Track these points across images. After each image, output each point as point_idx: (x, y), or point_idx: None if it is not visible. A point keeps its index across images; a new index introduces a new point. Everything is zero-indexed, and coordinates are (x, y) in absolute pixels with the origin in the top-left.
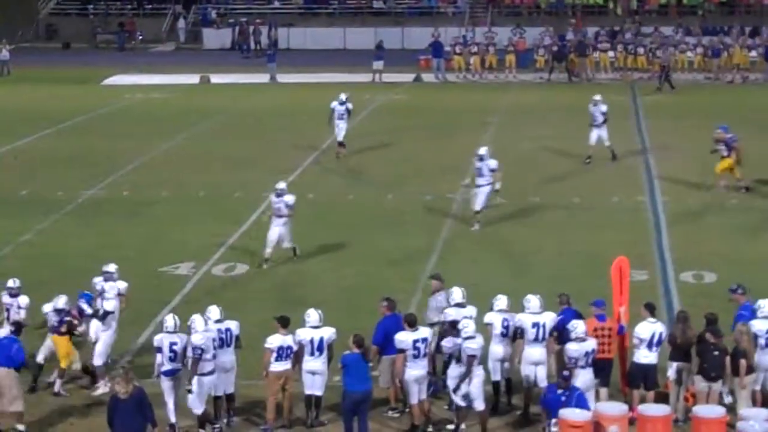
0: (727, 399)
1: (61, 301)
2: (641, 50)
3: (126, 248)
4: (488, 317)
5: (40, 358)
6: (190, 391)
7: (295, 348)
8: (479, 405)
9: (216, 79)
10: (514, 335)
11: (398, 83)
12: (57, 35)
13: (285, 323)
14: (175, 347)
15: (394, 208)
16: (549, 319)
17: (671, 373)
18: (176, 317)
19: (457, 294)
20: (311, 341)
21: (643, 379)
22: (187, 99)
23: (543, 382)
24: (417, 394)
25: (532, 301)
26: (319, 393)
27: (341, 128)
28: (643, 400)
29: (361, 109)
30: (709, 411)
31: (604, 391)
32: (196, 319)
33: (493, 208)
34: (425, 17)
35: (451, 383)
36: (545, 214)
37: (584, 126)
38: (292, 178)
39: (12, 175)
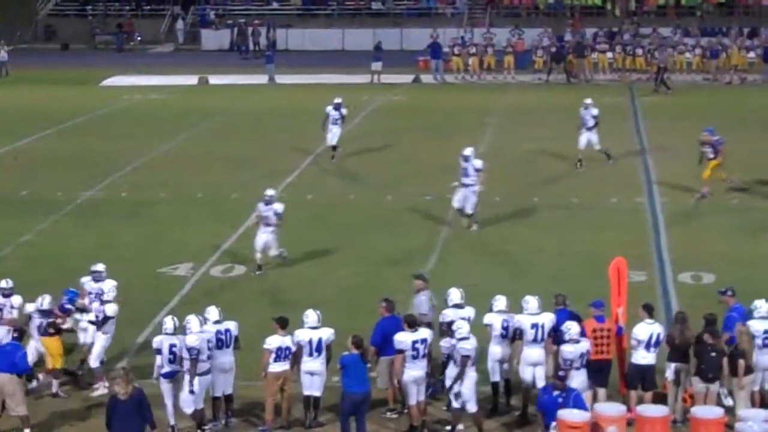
0: (727, 401)
1: (46, 302)
2: (639, 51)
3: (125, 249)
4: (488, 318)
5: (29, 360)
6: (192, 392)
7: (293, 349)
8: (471, 407)
9: (214, 80)
10: (513, 336)
11: (397, 84)
12: (56, 36)
13: (284, 324)
14: (174, 349)
15: (393, 209)
16: (548, 319)
17: (669, 373)
18: (175, 319)
19: (455, 295)
20: (310, 342)
21: (641, 380)
22: (185, 100)
23: (541, 383)
24: (416, 395)
25: (531, 302)
26: (317, 394)
27: (335, 133)
28: (641, 401)
29: (359, 110)
30: (707, 412)
31: (602, 391)
32: (192, 320)
33: (493, 208)
34: (424, 18)
35: (449, 384)
36: (544, 214)
37: None
38: (290, 179)
39: (12, 175)
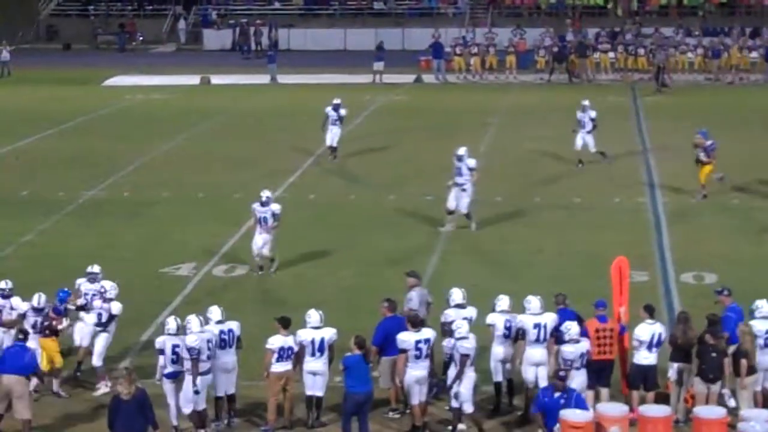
0: (730, 402)
1: (42, 300)
2: (642, 51)
3: (126, 249)
4: (490, 318)
5: None
6: (197, 392)
7: (296, 349)
8: (468, 407)
9: (216, 80)
10: (515, 336)
11: (399, 84)
12: (58, 36)
13: (286, 324)
14: (177, 349)
15: (394, 209)
16: (550, 319)
17: (672, 373)
18: (178, 319)
19: (457, 295)
20: (312, 342)
21: (643, 380)
22: (187, 100)
23: (544, 383)
24: (418, 395)
25: (533, 302)
26: (320, 394)
27: (335, 133)
28: (643, 401)
29: (361, 110)
30: (710, 412)
31: (605, 391)
32: (192, 320)
33: (494, 207)
34: (426, 18)
35: (449, 383)
36: (546, 214)
37: None
38: (292, 179)
39: (13, 175)
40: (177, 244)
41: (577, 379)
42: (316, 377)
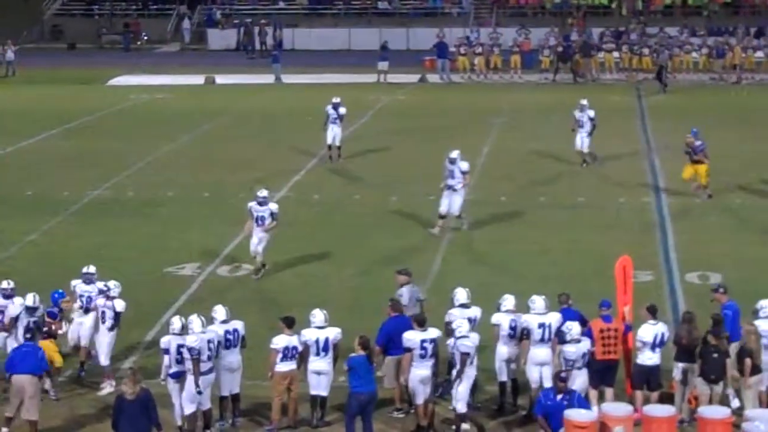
0: (734, 403)
1: (30, 300)
2: (646, 51)
3: (131, 248)
4: (495, 318)
5: None
6: (200, 393)
7: (300, 348)
8: (461, 407)
9: (221, 79)
10: (520, 336)
11: (403, 84)
12: (62, 36)
13: (290, 323)
14: (182, 349)
15: (398, 209)
16: (554, 319)
17: (677, 373)
18: (183, 319)
19: (461, 295)
20: (317, 341)
21: (646, 380)
22: (192, 99)
23: (548, 383)
24: (422, 395)
25: (537, 301)
26: (324, 393)
27: (335, 132)
28: (647, 401)
29: (366, 110)
30: (714, 412)
31: (610, 391)
32: (194, 321)
33: (499, 207)
34: (430, 18)
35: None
36: (551, 213)
37: None
38: (297, 179)
39: (18, 175)
40: (181, 244)
41: (579, 380)
42: (321, 377)
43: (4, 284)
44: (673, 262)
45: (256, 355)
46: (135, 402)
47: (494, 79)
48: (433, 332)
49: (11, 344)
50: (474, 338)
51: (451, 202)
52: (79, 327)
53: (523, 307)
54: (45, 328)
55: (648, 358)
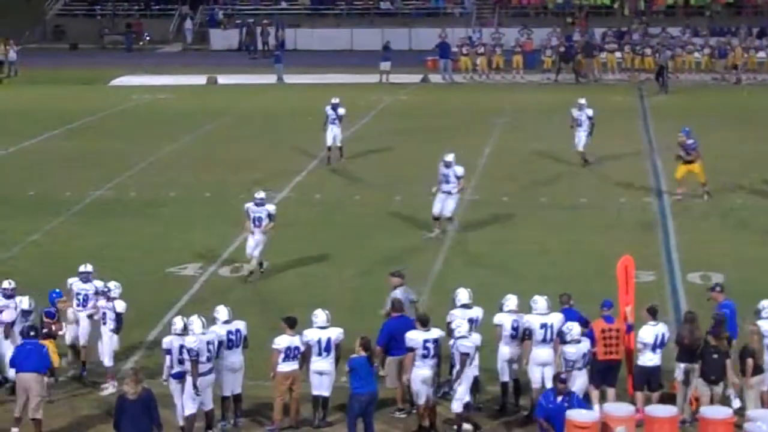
0: (735, 403)
1: (26, 303)
2: (648, 51)
3: (133, 248)
4: (498, 318)
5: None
6: (197, 394)
7: (302, 348)
8: (457, 407)
9: (223, 79)
10: (522, 336)
11: (405, 84)
12: (64, 36)
13: (292, 324)
14: (184, 350)
15: (400, 209)
16: (557, 319)
17: (679, 373)
18: (185, 319)
19: (463, 295)
20: (319, 342)
21: (647, 381)
22: (194, 100)
23: (551, 383)
24: (424, 395)
25: (539, 302)
26: (326, 393)
27: (335, 133)
28: (648, 401)
29: (368, 110)
30: (716, 412)
31: (611, 391)
32: (195, 321)
33: (500, 207)
34: (432, 18)
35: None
36: (552, 214)
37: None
38: (299, 179)
39: (20, 175)
40: (183, 244)
41: (579, 380)
42: (323, 377)
43: (5, 284)
44: (674, 262)
45: (258, 355)
46: (137, 402)
47: (496, 80)
48: (435, 332)
49: (9, 347)
50: (474, 338)
51: (444, 206)
52: (76, 327)
53: (525, 308)
54: (44, 329)
55: (649, 359)
